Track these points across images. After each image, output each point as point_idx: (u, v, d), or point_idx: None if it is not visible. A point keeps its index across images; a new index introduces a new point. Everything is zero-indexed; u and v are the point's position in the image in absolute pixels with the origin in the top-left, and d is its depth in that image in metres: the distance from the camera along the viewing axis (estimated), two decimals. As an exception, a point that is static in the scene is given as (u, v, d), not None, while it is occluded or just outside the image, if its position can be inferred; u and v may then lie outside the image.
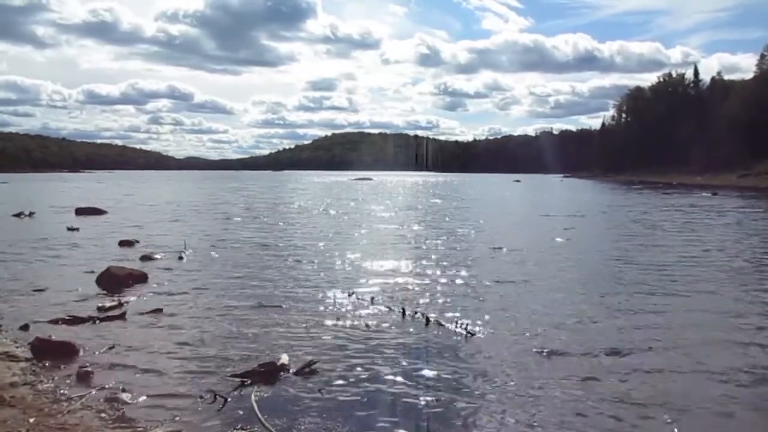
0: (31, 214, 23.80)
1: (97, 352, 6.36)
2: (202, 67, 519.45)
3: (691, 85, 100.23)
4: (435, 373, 5.83)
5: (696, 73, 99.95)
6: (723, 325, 7.57)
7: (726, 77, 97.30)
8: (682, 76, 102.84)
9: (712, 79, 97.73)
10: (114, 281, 9.93)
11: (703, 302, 8.94)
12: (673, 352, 6.49)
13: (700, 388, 5.51)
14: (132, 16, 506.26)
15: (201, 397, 5.17)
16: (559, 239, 16.74)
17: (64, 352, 6.24)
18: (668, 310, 8.39)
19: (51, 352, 6.19)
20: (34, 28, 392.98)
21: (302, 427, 4.67)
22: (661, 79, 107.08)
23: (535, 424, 4.76)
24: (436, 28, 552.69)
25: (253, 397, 5.11)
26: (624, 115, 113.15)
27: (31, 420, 4.57)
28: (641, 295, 9.34)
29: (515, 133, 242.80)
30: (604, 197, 44.16)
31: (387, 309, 8.31)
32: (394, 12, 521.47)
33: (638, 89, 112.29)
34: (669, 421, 4.80)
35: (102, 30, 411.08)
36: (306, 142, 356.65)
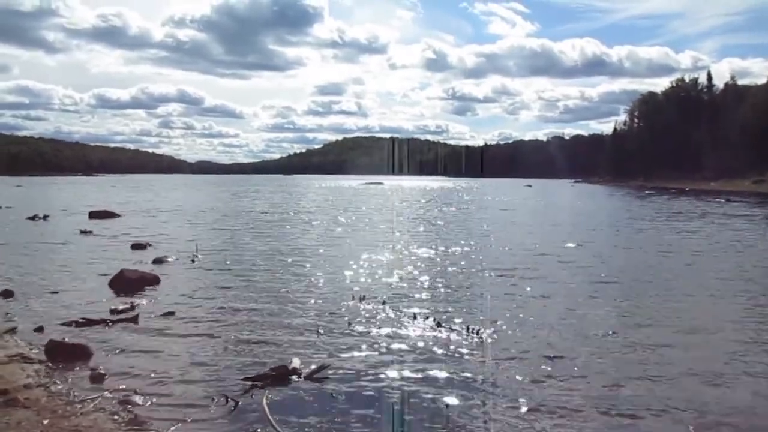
0: (45, 218, 24.04)
1: (110, 355, 6.40)
2: (211, 72, 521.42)
3: (705, 90, 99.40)
4: (445, 377, 5.81)
5: (709, 78, 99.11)
6: (743, 337, 7.38)
7: (738, 82, 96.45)
8: (695, 81, 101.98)
9: (726, 84, 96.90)
10: (127, 284, 10.00)
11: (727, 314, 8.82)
12: (693, 361, 6.42)
13: (722, 399, 5.39)
14: (140, 20, 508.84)
15: (213, 400, 5.19)
16: (576, 248, 16.63)
17: (78, 354, 6.29)
18: (693, 319, 8.34)
19: (64, 354, 6.24)
20: (45, 33, 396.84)
21: (313, 431, 4.67)
22: (674, 84, 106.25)
23: (544, 429, 4.73)
24: (443, 33, 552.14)
25: (264, 400, 5.12)
26: (636, 120, 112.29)
27: (45, 422, 4.61)
28: (661, 305, 9.23)
29: (525, 138, 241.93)
30: (622, 205, 43.87)
31: (398, 313, 8.29)
32: (401, 16, 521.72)
33: (651, 94, 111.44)
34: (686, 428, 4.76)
35: (111, 34, 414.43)
36: (316, 147, 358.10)
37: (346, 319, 7.99)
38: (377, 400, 5.27)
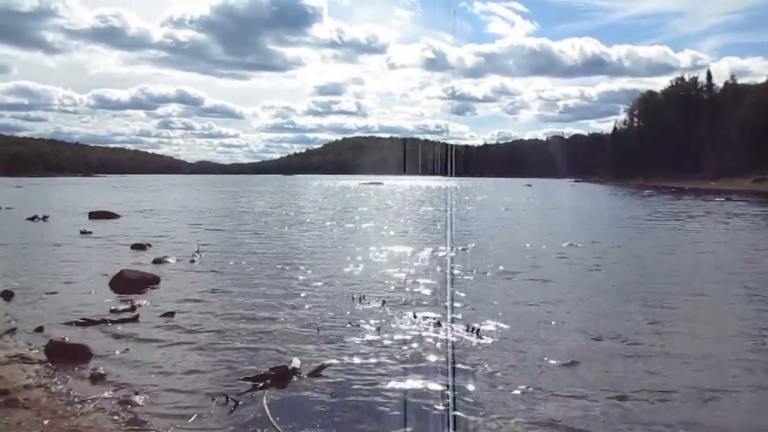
0: (44, 218, 24.03)
1: (110, 355, 6.40)
2: (211, 72, 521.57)
3: (704, 89, 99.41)
4: (446, 377, 5.81)
5: (709, 77, 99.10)
6: (755, 345, 7.06)
7: (738, 81, 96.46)
8: (694, 80, 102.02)
9: (725, 83, 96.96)
10: (127, 284, 10.01)
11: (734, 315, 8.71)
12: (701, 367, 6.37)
13: (733, 416, 5.15)
14: (139, 21, 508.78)
15: (213, 400, 5.18)
16: (577, 248, 16.61)
17: (78, 354, 6.29)
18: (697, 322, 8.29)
19: (65, 355, 6.25)
20: (44, 34, 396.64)
21: (313, 431, 4.67)
22: (674, 84, 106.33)
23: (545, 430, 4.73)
24: (442, 33, 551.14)
25: (264, 400, 5.12)
26: (636, 120, 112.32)
27: (45, 422, 4.61)
28: (668, 309, 8.99)
29: (525, 138, 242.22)
30: (622, 204, 43.84)
31: (398, 313, 8.29)
32: (400, 16, 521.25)
33: (650, 93, 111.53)
34: None
35: (110, 35, 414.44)
36: (316, 147, 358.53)
37: (345, 319, 7.99)
38: (376, 399, 5.26)
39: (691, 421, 4.88)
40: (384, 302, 8.86)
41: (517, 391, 5.39)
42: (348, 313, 8.34)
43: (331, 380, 5.71)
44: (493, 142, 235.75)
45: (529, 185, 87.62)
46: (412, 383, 5.63)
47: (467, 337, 7.12)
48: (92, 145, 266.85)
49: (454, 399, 5.26)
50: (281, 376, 5.68)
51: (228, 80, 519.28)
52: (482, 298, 9.37)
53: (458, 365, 6.12)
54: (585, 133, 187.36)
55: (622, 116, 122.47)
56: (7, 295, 9.31)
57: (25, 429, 4.50)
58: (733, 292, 9.96)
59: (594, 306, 8.93)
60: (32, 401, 5.03)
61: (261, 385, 5.49)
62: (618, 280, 11.16)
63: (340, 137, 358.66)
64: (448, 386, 5.56)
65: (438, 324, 7.60)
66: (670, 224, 23.40)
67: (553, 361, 6.19)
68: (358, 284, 10.45)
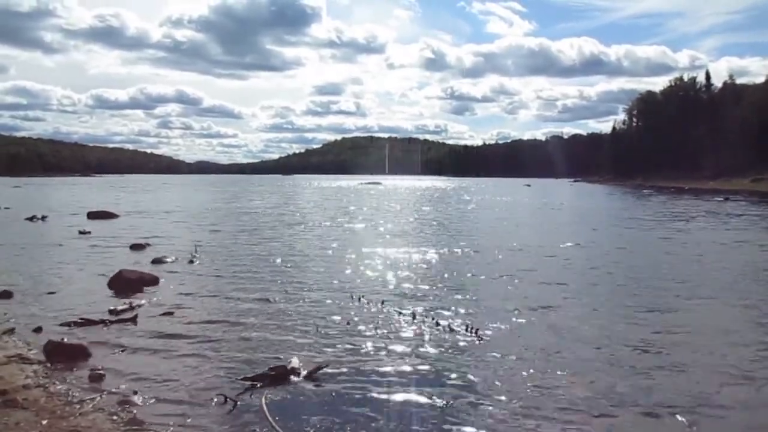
0: (43, 218, 24.02)
1: (109, 355, 6.40)
2: (210, 72, 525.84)
3: (703, 89, 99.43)
4: (445, 377, 5.80)
5: (708, 76, 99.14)
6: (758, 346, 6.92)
7: (737, 81, 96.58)
8: (693, 80, 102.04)
9: (724, 83, 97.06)
10: (126, 284, 10.00)
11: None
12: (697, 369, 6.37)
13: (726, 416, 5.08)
14: (138, 21, 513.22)
15: (211, 400, 5.18)
16: (577, 248, 16.62)
17: (77, 354, 6.29)
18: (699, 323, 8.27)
19: (63, 355, 6.24)
20: (42, 34, 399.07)
21: (312, 430, 4.66)
22: (673, 83, 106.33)
23: None
24: (441, 32, 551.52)
25: (263, 400, 5.11)
26: (635, 120, 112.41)
27: (44, 422, 4.60)
28: (671, 314, 8.86)
29: (524, 137, 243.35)
30: (621, 204, 43.82)
31: (397, 313, 8.29)
32: (399, 16, 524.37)
33: (649, 93, 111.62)
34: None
35: (109, 35, 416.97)
36: (315, 146, 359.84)
37: (344, 318, 7.98)
38: (375, 399, 5.27)
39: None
40: (383, 302, 8.86)
41: (515, 399, 5.34)
42: (347, 313, 8.33)
43: (329, 380, 5.71)
44: (492, 141, 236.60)
45: (529, 185, 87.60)
46: (411, 385, 5.62)
47: (466, 339, 7.11)
48: (91, 144, 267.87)
49: (449, 403, 5.26)
50: (280, 376, 5.68)
51: (227, 80, 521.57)
52: (482, 299, 9.37)
53: (457, 368, 6.11)
54: (584, 132, 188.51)
55: (621, 116, 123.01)
56: (6, 295, 9.28)
57: (24, 429, 4.49)
58: (736, 295, 9.87)
59: (595, 309, 8.84)
60: (31, 401, 5.03)
61: (260, 385, 5.49)
62: (620, 282, 11.12)
63: (339, 137, 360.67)
64: (446, 389, 5.56)
65: (437, 325, 7.60)
66: (670, 224, 23.37)
67: (553, 369, 6.13)
68: (358, 284, 10.45)
